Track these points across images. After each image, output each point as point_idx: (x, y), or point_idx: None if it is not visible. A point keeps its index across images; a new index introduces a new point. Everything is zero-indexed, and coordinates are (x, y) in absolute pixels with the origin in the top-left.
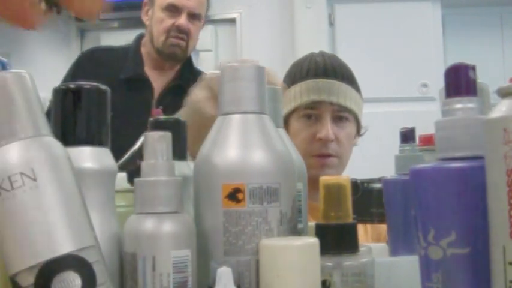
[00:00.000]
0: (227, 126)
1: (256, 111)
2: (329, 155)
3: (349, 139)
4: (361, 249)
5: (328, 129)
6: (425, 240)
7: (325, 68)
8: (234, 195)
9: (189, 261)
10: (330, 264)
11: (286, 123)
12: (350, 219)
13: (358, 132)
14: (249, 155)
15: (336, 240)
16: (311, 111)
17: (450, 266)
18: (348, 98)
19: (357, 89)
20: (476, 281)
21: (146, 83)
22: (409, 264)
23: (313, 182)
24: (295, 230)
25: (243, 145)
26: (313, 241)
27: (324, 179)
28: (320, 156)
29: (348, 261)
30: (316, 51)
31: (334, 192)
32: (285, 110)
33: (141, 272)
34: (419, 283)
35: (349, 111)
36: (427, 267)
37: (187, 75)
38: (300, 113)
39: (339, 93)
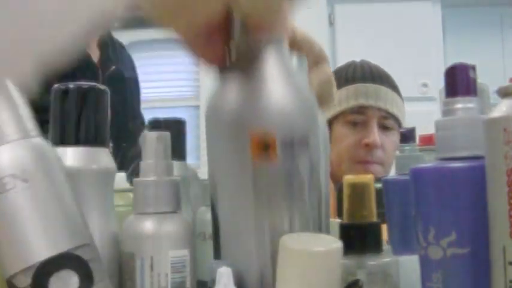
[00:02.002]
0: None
1: None
2: (373, 162)
3: (394, 148)
4: (385, 248)
5: (375, 134)
6: (425, 240)
7: (372, 73)
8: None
9: (188, 262)
10: (354, 263)
11: (329, 127)
12: (374, 219)
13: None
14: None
15: (360, 239)
16: (358, 117)
17: (450, 266)
18: (395, 104)
19: (401, 97)
20: (476, 281)
21: None
22: (409, 264)
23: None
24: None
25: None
26: (336, 246)
27: (348, 178)
28: (365, 162)
29: (372, 261)
30: None
31: (358, 192)
32: (328, 115)
33: (139, 272)
34: (419, 283)
35: (395, 118)
36: (427, 267)
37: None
38: (346, 118)
39: (387, 99)
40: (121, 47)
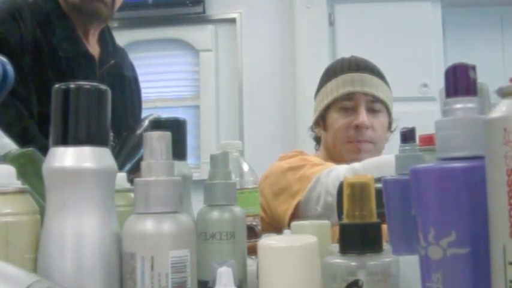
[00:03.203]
0: None
1: None
2: (364, 141)
3: (383, 128)
4: (385, 248)
5: (364, 116)
6: (425, 240)
7: (358, 64)
8: None
9: (188, 261)
10: (354, 263)
11: (324, 117)
12: (374, 219)
13: (390, 127)
14: None
15: (360, 239)
16: (347, 103)
17: (450, 266)
18: (380, 89)
19: (387, 84)
20: (476, 281)
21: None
22: (409, 264)
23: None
24: None
25: None
26: (312, 241)
27: (348, 178)
28: (356, 141)
29: (372, 261)
30: (316, 51)
31: (358, 192)
32: (322, 105)
33: (139, 272)
34: (419, 283)
35: (382, 102)
36: (427, 267)
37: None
38: (337, 105)
39: (372, 85)
40: (122, 49)
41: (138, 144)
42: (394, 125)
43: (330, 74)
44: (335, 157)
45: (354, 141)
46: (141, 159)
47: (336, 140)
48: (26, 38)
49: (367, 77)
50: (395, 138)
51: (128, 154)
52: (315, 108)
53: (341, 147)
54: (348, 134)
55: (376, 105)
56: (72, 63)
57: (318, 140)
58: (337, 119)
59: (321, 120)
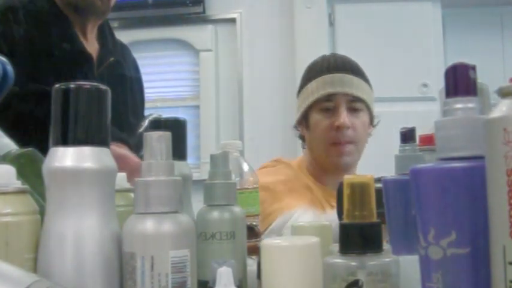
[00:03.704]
0: None
1: None
2: (346, 142)
3: (364, 127)
4: (385, 248)
5: (344, 117)
6: (425, 240)
7: (337, 64)
8: None
9: (188, 261)
10: (354, 263)
11: (306, 117)
12: (374, 219)
13: (371, 123)
14: None
15: (360, 239)
16: (328, 104)
17: (450, 266)
18: (360, 89)
19: (367, 82)
20: (476, 281)
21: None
22: (409, 264)
23: (331, 169)
24: None
25: None
26: (314, 240)
27: (348, 178)
28: (338, 144)
29: (372, 261)
30: (316, 51)
31: (358, 192)
32: (304, 105)
33: (139, 272)
34: (419, 283)
35: (362, 101)
36: (427, 267)
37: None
38: (318, 106)
39: (351, 85)
40: (124, 47)
41: (138, 143)
42: (375, 120)
43: (310, 75)
44: (318, 158)
45: (336, 144)
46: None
47: (318, 141)
48: (20, 38)
49: (346, 77)
50: (395, 138)
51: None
52: (297, 107)
53: (324, 148)
54: (329, 135)
55: (356, 104)
56: (69, 62)
57: (303, 138)
58: (318, 120)
59: (304, 120)
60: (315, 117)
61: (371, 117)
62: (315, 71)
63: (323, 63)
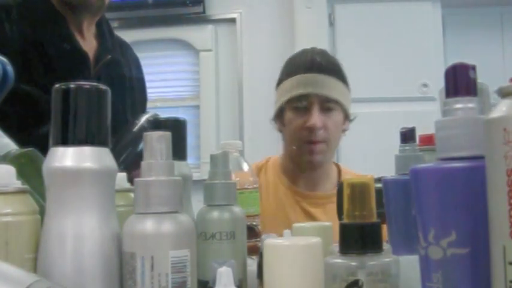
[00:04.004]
0: None
1: None
2: (318, 142)
3: (337, 126)
4: (385, 248)
5: (315, 118)
6: (425, 240)
7: (313, 64)
8: None
9: (188, 261)
10: (354, 264)
11: (282, 113)
12: (374, 219)
13: (347, 118)
14: None
15: (361, 239)
16: (301, 103)
17: (450, 266)
18: (333, 89)
19: (343, 80)
20: (476, 281)
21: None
22: (409, 264)
23: (303, 165)
24: None
25: None
26: (316, 240)
27: (348, 178)
28: (310, 142)
29: (372, 261)
30: None
31: (358, 192)
32: (279, 102)
33: (139, 272)
34: (419, 283)
35: (335, 101)
36: (427, 267)
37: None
38: (292, 105)
39: (324, 86)
40: (125, 45)
41: (133, 141)
42: (352, 116)
43: (287, 70)
44: (292, 154)
45: (309, 142)
46: (135, 157)
47: (292, 138)
48: (13, 39)
49: (320, 77)
50: (395, 138)
51: (119, 151)
52: (275, 102)
53: (297, 146)
54: (302, 134)
55: (329, 104)
56: (63, 61)
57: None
58: (292, 119)
59: (280, 116)
60: (289, 115)
61: (346, 114)
62: (291, 67)
63: (300, 60)
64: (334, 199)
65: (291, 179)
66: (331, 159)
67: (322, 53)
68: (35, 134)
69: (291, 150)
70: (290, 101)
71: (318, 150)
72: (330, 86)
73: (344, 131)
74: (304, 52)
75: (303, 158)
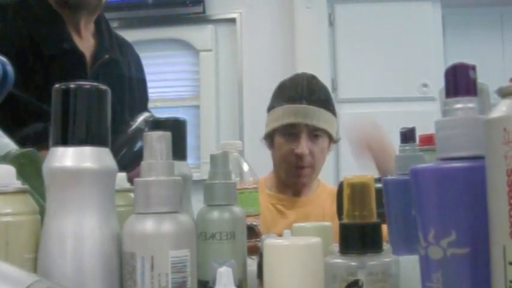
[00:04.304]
0: None
1: None
2: (304, 167)
3: (322, 151)
4: (385, 248)
5: (303, 146)
6: (425, 240)
7: (302, 94)
8: None
9: (188, 261)
10: (354, 264)
11: (272, 135)
12: (374, 219)
13: (332, 141)
14: None
15: (360, 239)
16: (290, 130)
17: (450, 266)
18: (322, 119)
19: (330, 109)
20: (476, 281)
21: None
22: (409, 264)
23: (289, 184)
24: None
25: None
26: (316, 241)
27: (349, 178)
28: (297, 167)
29: (372, 261)
30: (316, 51)
31: (358, 192)
32: (269, 127)
33: (139, 272)
34: (419, 283)
35: (322, 130)
36: (427, 267)
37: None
38: (282, 131)
39: (313, 116)
40: (125, 44)
41: (129, 141)
42: (337, 137)
43: (279, 96)
44: (280, 174)
45: (296, 167)
46: (131, 157)
47: (280, 161)
48: (9, 39)
49: (309, 109)
50: (395, 138)
51: (115, 152)
52: (266, 124)
53: (284, 169)
54: (290, 159)
55: (317, 132)
56: (60, 61)
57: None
58: (281, 144)
59: (270, 138)
60: (279, 140)
61: (331, 139)
62: (283, 95)
63: (291, 90)
64: (310, 205)
65: (275, 190)
66: (315, 178)
67: (312, 81)
68: (15, 136)
69: (279, 171)
70: (280, 128)
71: (305, 174)
72: (318, 116)
73: (328, 152)
74: (295, 79)
75: (290, 180)
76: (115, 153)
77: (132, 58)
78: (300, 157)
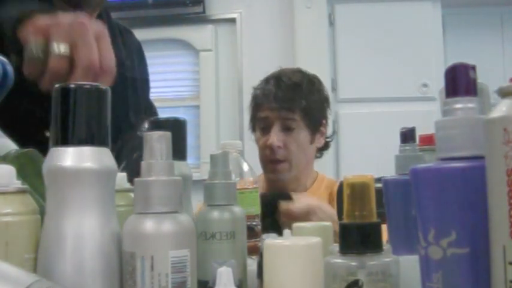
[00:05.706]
0: None
1: None
2: (279, 161)
3: (300, 145)
4: (385, 248)
5: (273, 137)
6: (425, 240)
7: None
8: None
9: (188, 261)
10: (354, 263)
11: (253, 130)
12: (374, 219)
13: (318, 134)
14: None
15: (360, 239)
16: (263, 123)
17: (450, 266)
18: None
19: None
20: (476, 281)
21: None
22: (409, 264)
23: (270, 182)
24: None
25: None
26: (316, 241)
27: (348, 178)
28: (271, 162)
29: (373, 261)
30: (316, 51)
31: (358, 192)
32: (250, 123)
33: (139, 272)
34: (419, 283)
35: (296, 122)
36: (427, 267)
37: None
38: (257, 124)
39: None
40: (126, 31)
41: (138, 145)
42: (329, 131)
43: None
44: (262, 170)
45: (270, 162)
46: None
47: (259, 158)
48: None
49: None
50: (395, 138)
51: (127, 155)
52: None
53: (262, 165)
54: (264, 153)
55: (291, 123)
56: None
57: None
58: (258, 138)
59: (252, 133)
60: (256, 134)
61: (313, 132)
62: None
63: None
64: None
65: (263, 189)
66: (301, 176)
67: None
68: None
69: (261, 166)
70: (257, 123)
71: (279, 169)
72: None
73: (318, 148)
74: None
75: (267, 175)
76: (127, 156)
77: (133, 45)
78: (272, 149)
